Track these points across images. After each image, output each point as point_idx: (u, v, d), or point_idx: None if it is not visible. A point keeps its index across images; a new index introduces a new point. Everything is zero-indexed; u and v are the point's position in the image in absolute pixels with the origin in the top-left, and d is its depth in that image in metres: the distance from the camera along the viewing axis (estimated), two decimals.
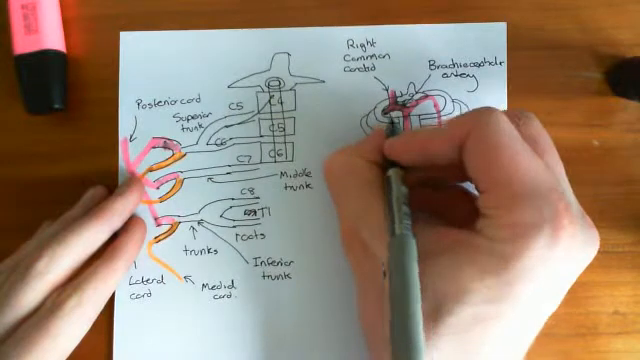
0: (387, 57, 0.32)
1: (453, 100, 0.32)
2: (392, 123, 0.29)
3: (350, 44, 0.32)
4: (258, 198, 0.32)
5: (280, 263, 0.32)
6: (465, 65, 0.32)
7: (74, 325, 0.27)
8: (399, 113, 0.32)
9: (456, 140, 0.24)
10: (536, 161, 0.23)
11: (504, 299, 0.22)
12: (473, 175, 0.24)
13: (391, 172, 0.27)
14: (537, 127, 0.25)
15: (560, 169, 0.25)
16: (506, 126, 0.23)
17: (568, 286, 0.24)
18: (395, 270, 0.22)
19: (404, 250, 0.23)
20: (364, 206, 0.27)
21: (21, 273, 0.26)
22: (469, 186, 0.28)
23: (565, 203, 0.22)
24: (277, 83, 0.32)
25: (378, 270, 0.24)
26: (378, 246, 0.25)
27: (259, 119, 0.32)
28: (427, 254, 0.23)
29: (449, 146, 0.25)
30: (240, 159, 0.32)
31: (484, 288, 0.22)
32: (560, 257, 0.22)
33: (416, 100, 0.32)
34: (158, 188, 0.32)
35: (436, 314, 0.22)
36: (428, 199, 0.29)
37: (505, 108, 0.32)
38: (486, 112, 0.24)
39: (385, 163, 0.28)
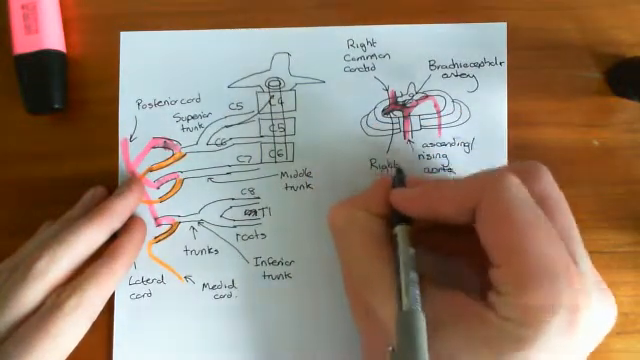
0: (387, 57, 0.32)
1: (453, 100, 0.32)
2: (399, 171, 0.28)
3: (350, 44, 0.32)
4: (258, 198, 0.32)
5: (281, 263, 0.32)
6: (465, 65, 0.32)
7: (74, 325, 0.26)
8: (400, 113, 0.32)
9: (466, 206, 0.23)
10: (549, 233, 0.22)
11: None
12: (485, 246, 0.23)
13: (398, 230, 0.25)
14: (548, 184, 0.24)
15: (573, 230, 0.23)
16: (519, 194, 0.22)
17: (587, 354, 0.23)
18: (405, 352, 0.21)
19: (414, 331, 0.21)
20: (369, 270, 0.25)
21: (21, 273, 0.26)
22: None
23: (581, 281, 0.21)
24: (277, 83, 0.32)
25: (383, 334, 0.23)
26: (384, 313, 0.24)
27: (259, 119, 0.32)
28: (437, 323, 0.22)
29: (459, 210, 0.24)
30: (240, 159, 0.32)
31: None
32: (579, 338, 0.21)
33: (416, 100, 0.32)
34: (158, 188, 0.32)
35: None
36: (443, 243, 0.28)
37: (505, 108, 0.32)
38: (498, 178, 0.23)
39: (392, 214, 0.26)
